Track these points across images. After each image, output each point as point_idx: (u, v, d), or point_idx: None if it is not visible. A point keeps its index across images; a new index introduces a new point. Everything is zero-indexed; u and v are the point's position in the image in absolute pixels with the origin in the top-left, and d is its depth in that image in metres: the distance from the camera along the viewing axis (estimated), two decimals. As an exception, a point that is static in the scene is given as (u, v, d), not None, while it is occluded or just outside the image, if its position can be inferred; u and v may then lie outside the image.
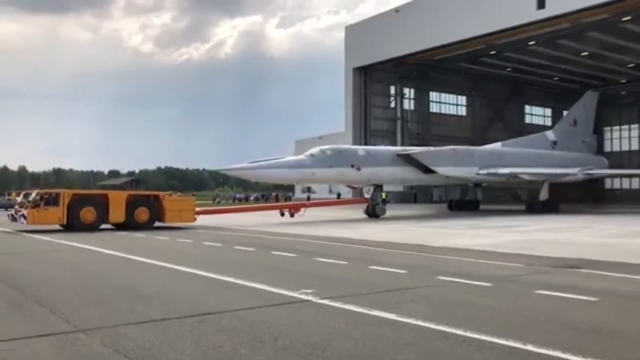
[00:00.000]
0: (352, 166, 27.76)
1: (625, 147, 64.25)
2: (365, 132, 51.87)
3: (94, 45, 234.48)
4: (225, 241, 16.46)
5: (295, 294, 7.74)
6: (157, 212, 22.77)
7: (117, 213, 21.88)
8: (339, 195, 54.99)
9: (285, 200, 65.53)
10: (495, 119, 59.71)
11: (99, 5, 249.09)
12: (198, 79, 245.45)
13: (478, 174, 32.62)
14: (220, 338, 5.59)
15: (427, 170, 30.41)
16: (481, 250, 13.27)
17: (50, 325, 6.22)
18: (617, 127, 65.15)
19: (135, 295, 8.17)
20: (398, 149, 33.53)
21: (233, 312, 6.75)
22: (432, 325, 5.94)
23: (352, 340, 5.50)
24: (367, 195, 29.52)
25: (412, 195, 53.53)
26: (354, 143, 46.04)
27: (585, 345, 5.30)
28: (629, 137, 64.09)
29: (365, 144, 44.77)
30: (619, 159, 62.18)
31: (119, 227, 21.98)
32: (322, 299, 7.41)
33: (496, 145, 38.34)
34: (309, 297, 7.53)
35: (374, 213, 28.58)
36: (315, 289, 8.03)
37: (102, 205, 21.79)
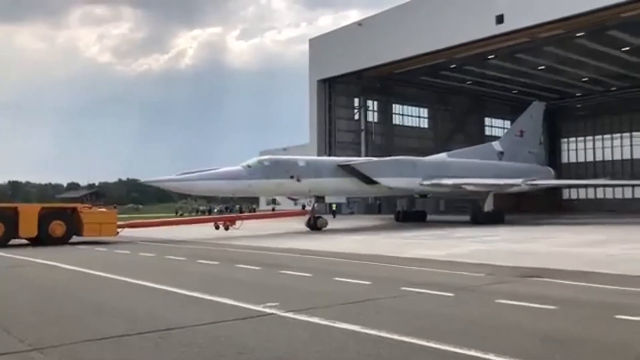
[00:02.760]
0: (292, 177, 26.99)
1: (581, 159, 66.30)
2: (330, 143, 52.03)
3: (50, 55, 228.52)
4: (187, 255, 16.23)
5: (259, 308, 7.68)
6: (74, 226, 21.56)
7: (28, 227, 20.49)
8: (303, 207, 54.89)
9: (250, 212, 65.07)
10: (457, 131, 60.73)
11: (54, 15, 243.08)
12: (158, 90, 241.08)
13: (422, 184, 32.16)
14: (182, 354, 5.51)
15: (370, 181, 29.89)
16: (443, 261, 13.41)
17: (5, 344, 6.01)
18: (574, 139, 67.23)
19: (94, 311, 7.98)
20: (340, 159, 32.70)
21: (196, 327, 6.66)
22: (396, 336, 5.96)
23: (317, 353, 5.49)
24: (308, 207, 29.02)
25: (377, 206, 53.85)
26: (319, 154, 46.13)
27: (546, 353, 5.41)
28: (585, 149, 66.17)
29: (330, 156, 44.84)
30: (576, 170, 64.15)
31: (33, 242, 20.81)
32: (287, 312, 7.37)
33: (441, 156, 37.97)
34: (273, 311, 7.48)
35: (315, 225, 27.89)
36: (279, 302, 7.98)
37: (10, 219, 20.34)
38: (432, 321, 6.90)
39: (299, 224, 29.27)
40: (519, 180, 33.20)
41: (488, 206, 32.24)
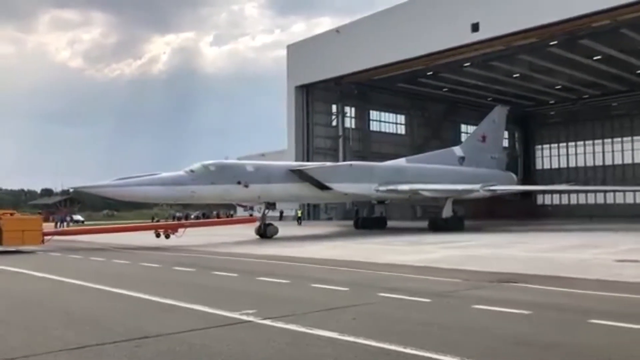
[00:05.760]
0: (239, 183, 25.64)
1: (555, 165, 67.42)
2: (307, 149, 52.13)
3: (20, 60, 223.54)
4: (161, 262, 16.05)
5: (236, 315, 7.62)
6: None
7: None
8: (281, 213, 54.70)
9: (227, 217, 64.68)
10: (433, 137, 61.22)
11: (22, 18, 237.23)
12: (131, 96, 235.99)
13: (377, 190, 31.33)
14: (157, 363, 5.43)
15: (323, 187, 28.86)
16: (419, 266, 13.48)
17: (-27, 354, 5.87)
18: (548, 146, 68.35)
19: (68, 319, 7.84)
20: (292, 164, 31.79)
21: (171, 335, 6.58)
22: (373, 343, 5.97)
23: (294, 360, 5.46)
24: (258, 214, 27.73)
25: (354, 212, 53.88)
26: (297, 160, 46.15)
27: (521, 358, 5.46)
28: (559, 155, 67.30)
29: (308, 161, 44.78)
30: (550, 176, 65.20)
31: None
32: (264, 319, 7.33)
33: (400, 161, 37.43)
34: (250, 318, 7.43)
35: (265, 233, 26.62)
36: (256, 309, 7.93)
37: None
38: (410, 327, 6.92)
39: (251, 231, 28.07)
40: (477, 186, 32.50)
41: (446, 212, 31.54)
